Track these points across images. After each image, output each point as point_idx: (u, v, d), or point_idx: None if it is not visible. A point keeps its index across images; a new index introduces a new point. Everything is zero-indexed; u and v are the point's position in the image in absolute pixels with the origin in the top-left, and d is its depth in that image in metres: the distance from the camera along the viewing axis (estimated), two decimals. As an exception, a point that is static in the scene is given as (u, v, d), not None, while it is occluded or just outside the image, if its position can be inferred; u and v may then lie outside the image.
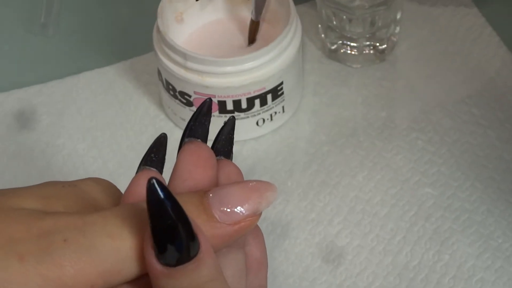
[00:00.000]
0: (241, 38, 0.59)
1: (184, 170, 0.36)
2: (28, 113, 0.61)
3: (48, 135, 0.59)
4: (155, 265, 0.32)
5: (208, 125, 0.38)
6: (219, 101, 0.54)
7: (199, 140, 0.37)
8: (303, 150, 0.57)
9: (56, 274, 0.31)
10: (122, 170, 0.57)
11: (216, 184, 0.37)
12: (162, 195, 0.31)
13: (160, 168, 0.37)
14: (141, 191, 0.35)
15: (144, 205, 0.32)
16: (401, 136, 0.57)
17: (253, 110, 0.56)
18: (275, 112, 0.57)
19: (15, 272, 0.31)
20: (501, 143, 0.56)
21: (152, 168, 0.37)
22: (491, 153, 0.56)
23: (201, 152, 0.37)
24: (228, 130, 0.39)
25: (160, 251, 0.32)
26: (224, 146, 0.39)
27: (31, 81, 0.62)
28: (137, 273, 0.33)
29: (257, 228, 0.39)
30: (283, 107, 0.57)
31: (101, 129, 0.59)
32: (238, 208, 0.34)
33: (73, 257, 0.32)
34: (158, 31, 0.56)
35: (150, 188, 0.31)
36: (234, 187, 0.34)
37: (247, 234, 0.37)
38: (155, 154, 0.37)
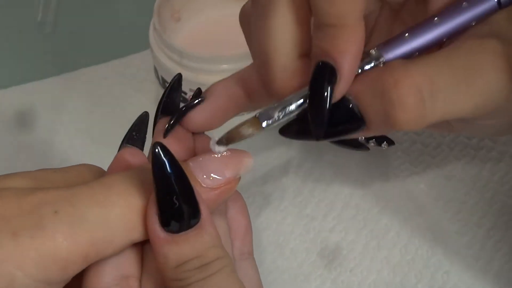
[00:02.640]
0: (238, 36, 0.59)
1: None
2: (25, 110, 0.61)
3: (45, 131, 0.59)
4: (159, 233, 0.33)
5: (178, 100, 0.40)
6: (214, 98, 0.55)
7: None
8: (298, 146, 0.57)
9: (50, 247, 0.32)
10: (119, 167, 0.57)
11: (193, 151, 0.39)
12: (167, 161, 0.33)
13: (141, 146, 0.39)
14: (124, 167, 0.36)
15: (129, 172, 0.34)
16: (396, 133, 0.57)
17: (248, 107, 0.56)
18: (271, 109, 0.57)
19: (10, 249, 0.32)
20: (495, 144, 0.56)
21: (133, 147, 0.39)
22: (484, 149, 0.56)
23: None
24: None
25: (164, 219, 0.33)
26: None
27: (29, 78, 0.63)
28: (128, 243, 0.34)
29: (239, 197, 0.41)
30: (278, 104, 0.57)
31: (98, 126, 0.60)
32: (219, 173, 0.36)
33: (64, 228, 0.32)
34: (155, 29, 0.56)
35: (156, 157, 0.33)
36: (213, 155, 0.36)
37: (229, 201, 0.39)
38: (136, 133, 0.39)
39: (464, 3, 0.37)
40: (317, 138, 0.36)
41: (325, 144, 0.57)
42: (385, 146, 0.44)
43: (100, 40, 0.65)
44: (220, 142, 0.36)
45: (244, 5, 0.41)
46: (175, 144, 0.38)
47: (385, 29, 0.41)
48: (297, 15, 0.36)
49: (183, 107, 0.39)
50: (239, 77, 0.40)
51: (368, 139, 0.44)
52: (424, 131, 0.57)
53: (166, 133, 0.38)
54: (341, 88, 0.35)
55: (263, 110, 0.36)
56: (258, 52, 0.38)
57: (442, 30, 0.37)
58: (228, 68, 0.54)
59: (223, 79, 0.41)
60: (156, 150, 0.33)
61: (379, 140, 0.44)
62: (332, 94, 0.35)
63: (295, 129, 0.38)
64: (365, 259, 0.51)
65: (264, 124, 0.36)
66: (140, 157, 0.38)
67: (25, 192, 0.34)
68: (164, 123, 0.39)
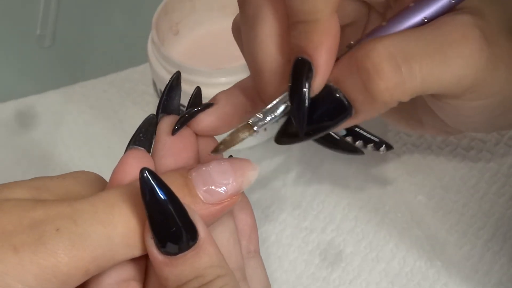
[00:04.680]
0: (236, 49, 0.59)
1: (164, 140, 0.38)
2: (24, 123, 0.61)
3: (44, 145, 0.59)
4: (157, 256, 0.33)
5: (178, 98, 0.40)
6: (213, 111, 0.55)
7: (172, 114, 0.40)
8: (297, 158, 0.57)
9: (51, 262, 0.32)
10: (118, 180, 0.57)
11: (197, 153, 0.39)
12: (156, 186, 0.33)
13: (148, 147, 0.39)
14: (129, 169, 0.37)
15: (131, 187, 0.34)
16: (394, 144, 0.57)
17: (247, 119, 0.56)
18: (269, 122, 0.57)
19: (11, 264, 0.32)
20: (493, 155, 0.56)
21: (140, 148, 0.38)
22: (482, 160, 0.56)
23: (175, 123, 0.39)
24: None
25: (161, 242, 0.33)
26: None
27: (28, 92, 0.63)
28: (130, 257, 0.34)
29: (244, 197, 0.40)
30: (276, 116, 0.57)
31: (97, 139, 0.60)
32: (222, 187, 0.35)
33: (66, 245, 0.32)
34: (153, 42, 0.56)
35: (144, 182, 0.33)
36: (217, 167, 0.36)
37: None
38: (143, 134, 0.39)
39: None
40: (302, 134, 0.37)
41: (323, 156, 0.57)
42: (384, 151, 0.44)
43: (98, 54, 0.65)
44: (215, 151, 0.37)
45: (235, 17, 0.42)
46: (180, 143, 0.38)
47: None
48: (282, 22, 0.37)
49: (192, 108, 0.39)
50: (242, 86, 0.41)
51: (366, 144, 0.44)
52: (422, 143, 0.57)
53: (174, 131, 0.38)
54: (318, 81, 0.36)
55: (254, 115, 0.37)
56: (250, 61, 0.38)
57: (420, 16, 0.37)
58: (227, 81, 0.54)
59: (228, 88, 0.41)
60: (144, 175, 0.33)
61: (378, 144, 0.44)
62: (310, 89, 0.35)
63: (286, 133, 0.38)
64: (364, 271, 0.51)
65: (255, 127, 0.37)
66: (146, 159, 0.38)
67: (26, 205, 0.34)
68: (166, 121, 0.39)
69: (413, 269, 0.51)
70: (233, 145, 0.37)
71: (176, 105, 0.40)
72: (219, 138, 0.40)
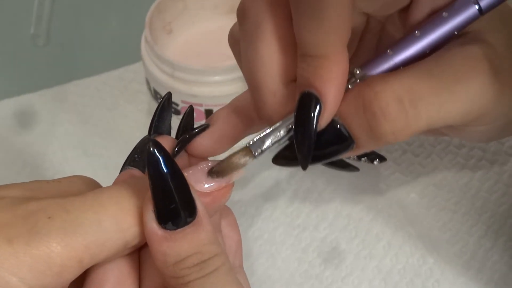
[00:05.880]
0: (230, 48, 0.60)
1: None
2: (18, 122, 0.61)
3: (38, 143, 0.60)
4: (156, 230, 0.34)
5: (169, 119, 0.40)
6: (206, 110, 0.55)
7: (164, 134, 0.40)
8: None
9: (44, 253, 0.32)
10: (112, 178, 0.57)
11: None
12: (161, 159, 0.33)
13: (142, 168, 0.39)
14: None
15: (122, 182, 0.35)
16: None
17: (240, 118, 0.56)
18: (262, 120, 0.57)
19: (5, 256, 0.32)
20: (484, 153, 0.57)
21: (134, 168, 0.39)
22: (474, 158, 0.56)
23: (167, 143, 0.39)
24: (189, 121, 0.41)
25: (160, 215, 0.33)
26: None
27: (21, 91, 0.63)
28: (122, 245, 0.34)
29: (230, 212, 0.41)
30: (270, 115, 0.58)
31: (91, 138, 0.60)
32: (213, 179, 0.36)
33: (59, 232, 0.33)
34: (146, 41, 0.56)
35: (151, 154, 0.33)
36: (206, 164, 0.37)
37: (222, 219, 0.39)
38: (138, 155, 0.39)
39: (444, 13, 0.37)
40: (304, 167, 0.37)
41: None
42: (377, 163, 0.44)
43: (92, 53, 0.65)
44: (212, 174, 0.37)
45: (232, 28, 0.42)
46: None
47: (372, 42, 0.42)
48: (283, 43, 0.37)
49: (188, 132, 0.40)
50: (238, 104, 0.41)
51: (360, 157, 0.44)
52: (415, 141, 0.57)
53: (173, 156, 0.39)
54: (326, 117, 0.36)
55: (254, 139, 0.37)
56: (248, 78, 0.38)
57: (424, 43, 0.37)
58: (220, 80, 0.54)
59: (224, 107, 0.41)
60: (151, 148, 0.33)
61: (371, 157, 0.44)
62: (317, 124, 0.36)
63: (285, 157, 0.38)
64: (357, 268, 0.51)
65: (256, 153, 0.37)
66: None
67: (20, 201, 0.34)
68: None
69: (406, 266, 0.51)
70: (230, 172, 0.37)
71: (167, 126, 0.40)
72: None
